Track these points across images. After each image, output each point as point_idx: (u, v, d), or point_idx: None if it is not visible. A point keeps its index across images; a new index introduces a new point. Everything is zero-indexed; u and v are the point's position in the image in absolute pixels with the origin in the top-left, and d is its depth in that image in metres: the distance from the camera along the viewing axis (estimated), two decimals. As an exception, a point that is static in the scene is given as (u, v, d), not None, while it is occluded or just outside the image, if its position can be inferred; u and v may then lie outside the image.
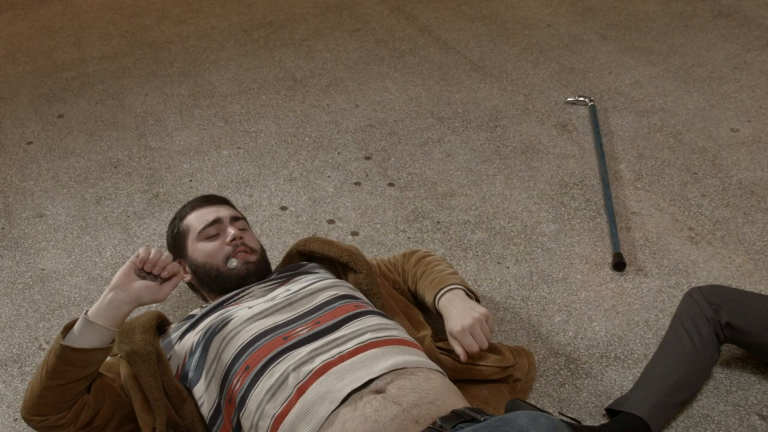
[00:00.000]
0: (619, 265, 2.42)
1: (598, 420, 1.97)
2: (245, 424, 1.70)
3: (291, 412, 1.62)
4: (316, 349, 1.71)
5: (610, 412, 1.96)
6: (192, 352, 1.84)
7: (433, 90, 3.48)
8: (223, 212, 2.04)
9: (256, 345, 1.73)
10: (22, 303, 2.43)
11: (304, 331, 1.75)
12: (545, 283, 2.40)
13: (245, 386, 1.69)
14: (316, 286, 1.90)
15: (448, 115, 3.30)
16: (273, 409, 1.64)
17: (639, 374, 2.03)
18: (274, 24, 4.14)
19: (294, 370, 1.67)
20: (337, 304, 1.83)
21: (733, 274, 2.39)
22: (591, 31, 3.93)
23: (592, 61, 3.65)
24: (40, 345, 2.29)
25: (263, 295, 1.92)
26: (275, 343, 1.73)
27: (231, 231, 2.00)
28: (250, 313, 1.82)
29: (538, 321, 2.27)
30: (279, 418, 1.63)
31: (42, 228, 2.75)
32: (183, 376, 1.85)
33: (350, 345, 1.71)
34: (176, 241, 2.08)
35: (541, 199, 2.76)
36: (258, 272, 1.99)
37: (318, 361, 1.67)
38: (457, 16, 4.16)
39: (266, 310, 1.82)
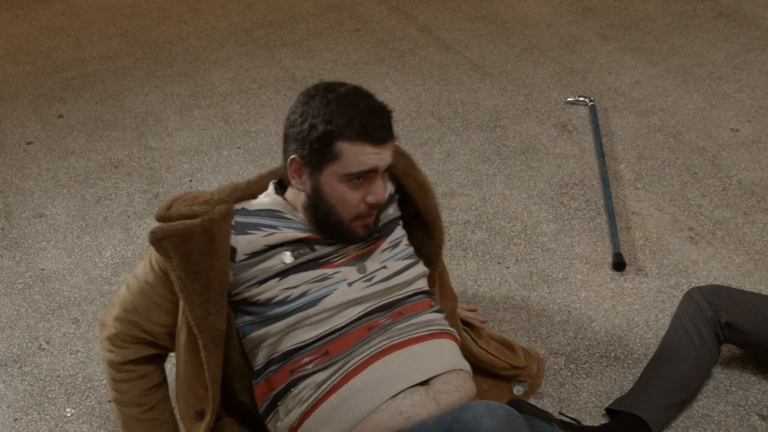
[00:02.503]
0: (619, 265, 2.42)
1: (598, 420, 1.97)
2: (288, 398, 1.66)
3: (331, 397, 1.61)
4: (388, 337, 1.67)
5: (610, 412, 1.96)
6: (269, 304, 1.68)
7: (433, 90, 3.48)
8: (383, 159, 1.64)
9: (342, 332, 1.66)
10: (22, 303, 2.43)
11: (387, 322, 1.69)
12: (545, 283, 2.40)
13: (317, 368, 1.64)
14: (410, 274, 1.77)
15: (448, 115, 3.30)
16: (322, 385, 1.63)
17: (639, 374, 2.03)
18: (274, 24, 4.14)
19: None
20: (419, 297, 1.78)
21: (733, 274, 2.39)
22: (591, 31, 3.93)
23: (592, 61, 3.65)
24: (40, 345, 2.29)
25: (359, 261, 1.74)
26: (359, 333, 1.66)
27: (377, 193, 1.66)
28: (346, 295, 1.68)
29: (538, 321, 2.27)
30: (323, 398, 1.62)
31: (42, 228, 2.75)
32: (242, 311, 1.72)
33: (415, 334, 1.69)
34: (311, 146, 1.63)
35: (541, 199, 2.76)
36: (370, 234, 1.74)
37: (381, 345, 1.65)
38: (457, 16, 4.16)
39: (363, 296, 1.70)
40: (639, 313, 2.28)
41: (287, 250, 1.68)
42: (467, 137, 3.13)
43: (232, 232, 1.66)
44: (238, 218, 1.68)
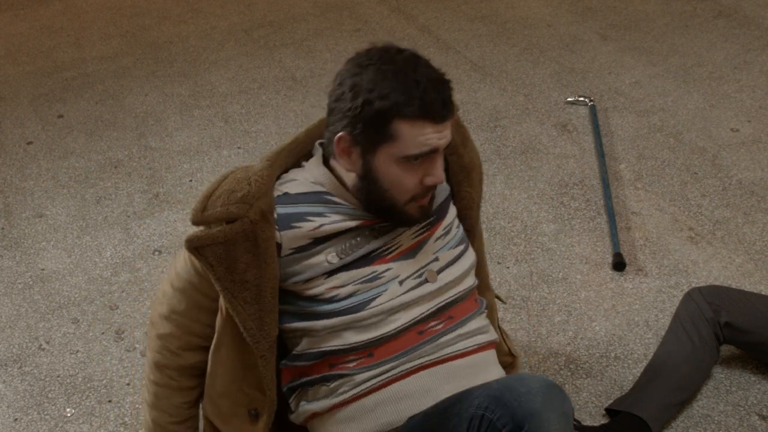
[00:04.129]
0: (619, 265, 2.42)
1: (598, 420, 1.97)
2: (321, 387, 1.58)
3: (372, 395, 1.55)
4: (438, 349, 1.58)
5: (610, 412, 1.96)
6: (315, 300, 1.56)
7: (433, 90, 3.48)
8: (444, 137, 1.49)
9: (391, 338, 1.56)
10: (22, 303, 2.43)
11: (439, 328, 1.59)
12: (545, 283, 2.40)
13: (359, 370, 1.55)
14: (462, 266, 1.64)
15: (448, 115, 3.29)
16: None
17: (639, 374, 2.03)
18: (274, 24, 4.14)
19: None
20: (467, 296, 1.66)
21: (733, 274, 2.39)
22: (591, 31, 3.93)
23: (592, 61, 3.65)
24: (40, 345, 2.29)
25: (412, 254, 1.60)
26: (409, 340, 1.56)
27: (437, 174, 1.51)
28: (397, 298, 1.56)
29: (538, 321, 2.27)
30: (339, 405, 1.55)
31: (42, 228, 2.75)
32: (284, 301, 1.58)
33: (463, 348, 1.60)
34: (364, 125, 1.47)
35: (541, 199, 2.76)
36: (426, 216, 1.60)
37: (432, 357, 1.57)
38: (457, 16, 4.16)
39: (414, 299, 1.57)
40: (639, 313, 2.28)
41: (333, 250, 1.54)
42: (467, 137, 3.13)
43: (276, 227, 1.51)
44: (281, 209, 1.53)
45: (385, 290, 1.55)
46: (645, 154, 2.98)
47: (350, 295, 1.54)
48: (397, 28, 4.04)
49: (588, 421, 1.97)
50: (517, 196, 2.78)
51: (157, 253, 2.60)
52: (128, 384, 2.13)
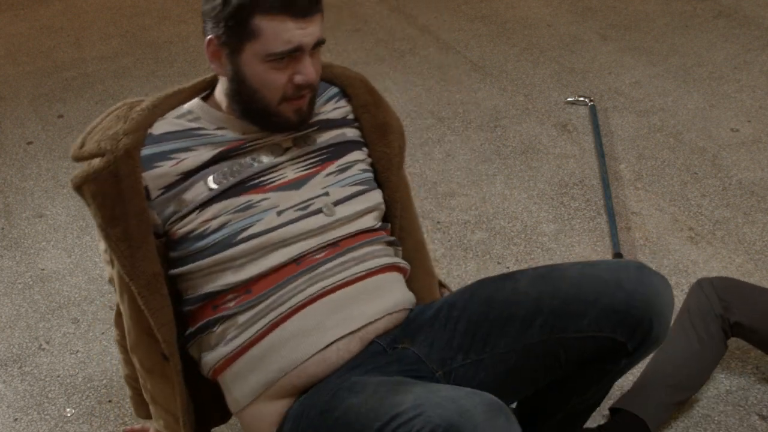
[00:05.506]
0: (619, 265, 2.41)
1: (598, 420, 1.97)
2: (212, 335, 1.53)
3: (259, 343, 1.49)
4: (320, 279, 1.50)
5: (610, 411, 1.95)
6: (188, 239, 1.51)
7: (433, 90, 3.48)
8: (309, 34, 1.47)
9: (269, 273, 1.50)
10: (22, 303, 2.43)
11: (319, 256, 1.52)
12: (545, 283, 2.40)
13: (237, 308, 1.50)
14: (359, 204, 1.57)
15: (448, 115, 3.30)
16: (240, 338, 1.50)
17: (639, 373, 2.03)
18: (274, 24, 4.14)
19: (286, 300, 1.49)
20: (362, 232, 1.58)
21: (733, 274, 2.39)
22: (591, 31, 3.93)
23: (592, 61, 3.65)
24: (40, 345, 2.29)
25: (295, 185, 1.53)
26: (287, 271, 1.50)
27: (306, 72, 1.47)
28: (276, 233, 1.49)
29: (538, 321, 2.26)
30: (239, 352, 1.49)
31: (42, 228, 2.75)
32: (170, 248, 1.55)
33: (352, 274, 1.52)
34: (226, 24, 1.44)
35: (541, 199, 2.76)
36: (303, 120, 1.54)
37: (313, 290, 1.49)
38: (457, 16, 4.16)
39: (297, 235, 1.50)
40: (639, 313, 2.27)
41: (210, 174, 1.50)
42: (467, 137, 3.13)
43: (142, 168, 1.48)
44: (145, 150, 1.50)
45: (259, 220, 1.49)
46: (645, 154, 2.98)
47: (221, 227, 1.49)
48: (397, 28, 4.04)
49: (589, 421, 1.97)
50: (517, 196, 2.79)
51: (157, 253, 2.60)
52: (128, 384, 2.14)
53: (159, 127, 1.53)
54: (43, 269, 2.57)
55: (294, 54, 1.45)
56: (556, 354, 1.45)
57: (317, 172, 1.56)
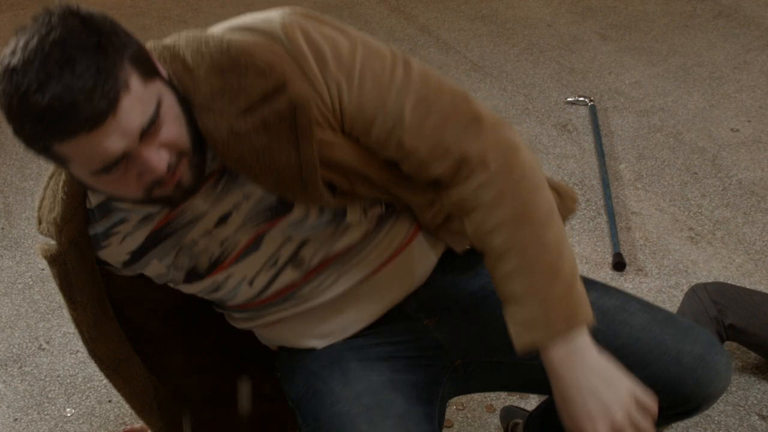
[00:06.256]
0: (619, 265, 2.42)
1: (598, 420, 1.97)
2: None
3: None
4: (302, 297, 1.37)
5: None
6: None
7: (433, 90, 3.48)
8: (124, 137, 1.04)
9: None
10: (22, 303, 2.43)
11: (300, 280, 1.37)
12: (545, 283, 2.40)
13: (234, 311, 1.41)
14: (345, 241, 1.32)
15: (448, 115, 3.29)
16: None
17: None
18: (274, 24, 4.14)
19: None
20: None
21: (733, 274, 2.39)
22: (591, 31, 3.93)
23: (592, 61, 3.65)
24: (40, 345, 2.29)
25: (254, 249, 1.29)
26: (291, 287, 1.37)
27: (150, 168, 1.09)
28: (258, 301, 1.35)
29: (538, 321, 2.26)
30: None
31: (42, 228, 2.75)
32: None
33: (355, 276, 1.37)
34: (31, 148, 1.08)
35: (541, 199, 2.76)
36: (193, 187, 1.17)
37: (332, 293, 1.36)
38: (457, 16, 4.16)
39: (279, 292, 1.34)
40: (639, 313, 2.27)
41: (156, 257, 1.29)
42: (467, 137, 3.13)
43: (95, 249, 1.30)
44: (92, 230, 1.27)
45: (235, 295, 1.33)
46: (645, 154, 2.98)
47: (202, 298, 1.38)
48: (397, 28, 4.04)
49: (588, 421, 1.97)
50: (517, 196, 2.78)
51: (157, 253, 2.60)
52: (128, 384, 2.14)
53: (93, 198, 1.26)
54: (43, 269, 2.57)
55: (120, 163, 1.07)
56: None
57: (271, 227, 1.27)
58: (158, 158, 1.08)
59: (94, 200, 1.26)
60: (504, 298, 1.21)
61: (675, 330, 1.31)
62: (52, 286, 2.49)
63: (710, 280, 2.36)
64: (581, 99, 3.31)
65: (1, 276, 2.55)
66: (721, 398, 2.00)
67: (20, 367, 2.22)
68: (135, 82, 1.03)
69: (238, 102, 1.12)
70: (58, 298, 2.44)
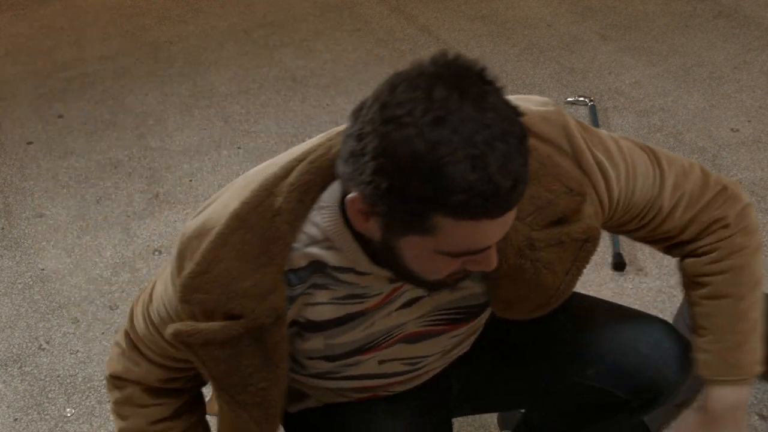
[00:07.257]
0: (619, 265, 2.42)
1: (598, 420, 1.97)
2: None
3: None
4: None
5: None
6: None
7: (433, 90, 3.48)
8: (503, 228, 1.01)
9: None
10: (22, 303, 2.43)
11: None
12: (545, 283, 2.40)
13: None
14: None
15: (448, 115, 3.29)
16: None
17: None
18: (274, 24, 4.14)
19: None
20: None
21: (733, 274, 2.39)
22: (591, 31, 3.93)
23: (592, 61, 3.65)
24: (40, 345, 2.29)
25: (410, 342, 1.29)
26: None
27: (487, 264, 1.06)
28: (374, 382, 1.33)
29: (538, 321, 2.26)
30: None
31: (42, 228, 2.75)
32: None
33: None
34: (389, 207, 0.97)
35: (541, 199, 2.75)
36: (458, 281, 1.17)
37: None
38: (457, 16, 4.15)
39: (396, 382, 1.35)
40: (639, 313, 2.27)
41: (328, 336, 1.20)
42: (467, 137, 3.13)
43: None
44: (288, 292, 1.13)
45: (355, 372, 1.28)
46: (645, 154, 2.98)
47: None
48: (397, 28, 4.04)
49: (588, 421, 1.97)
50: (517, 196, 2.78)
51: (157, 253, 2.60)
52: (128, 384, 2.13)
53: (295, 261, 1.12)
54: (43, 269, 2.57)
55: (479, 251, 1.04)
56: (558, 392, 1.44)
57: (442, 332, 1.25)
58: (496, 257, 1.06)
59: (295, 264, 1.12)
60: (697, 328, 1.32)
61: (635, 321, 1.40)
62: (52, 286, 2.49)
63: (710, 280, 2.36)
64: (581, 99, 3.31)
65: (1, 276, 2.55)
66: (721, 398, 2.00)
67: (20, 367, 2.22)
68: None
69: (544, 214, 1.14)
70: (59, 298, 2.44)
